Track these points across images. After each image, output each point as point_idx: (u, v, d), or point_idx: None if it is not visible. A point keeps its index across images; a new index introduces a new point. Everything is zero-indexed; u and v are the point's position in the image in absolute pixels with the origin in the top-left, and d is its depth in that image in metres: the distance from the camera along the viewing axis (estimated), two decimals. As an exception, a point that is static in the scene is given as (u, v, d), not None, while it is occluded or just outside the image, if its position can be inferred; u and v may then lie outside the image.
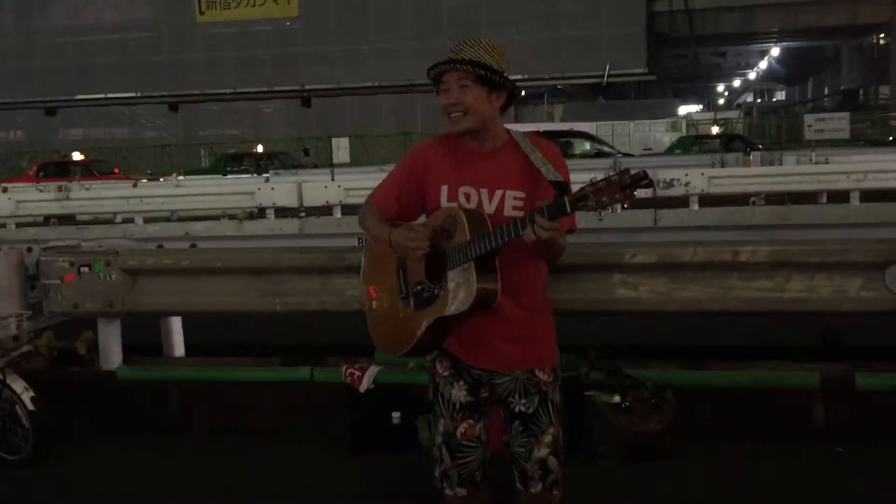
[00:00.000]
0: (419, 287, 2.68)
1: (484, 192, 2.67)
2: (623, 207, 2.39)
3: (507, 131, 2.74)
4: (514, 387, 2.73)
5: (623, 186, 2.30)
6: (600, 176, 2.57)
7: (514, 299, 2.65)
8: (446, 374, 2.79)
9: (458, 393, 2.77)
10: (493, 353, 2.71)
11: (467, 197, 2.67)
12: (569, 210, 2.38)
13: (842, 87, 47.29)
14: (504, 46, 2.68)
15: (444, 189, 2.70)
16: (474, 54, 2.60)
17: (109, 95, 37.83)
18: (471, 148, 2.71)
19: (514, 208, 2.64)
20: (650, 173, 2.38)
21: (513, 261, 2.61)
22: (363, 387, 4.48)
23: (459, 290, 2.57)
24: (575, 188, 2.44)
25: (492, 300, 2.59)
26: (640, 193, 2.41)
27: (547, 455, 2.73)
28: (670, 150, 25.09)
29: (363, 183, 15.84)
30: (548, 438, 2.73)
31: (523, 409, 2.73)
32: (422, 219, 2.80)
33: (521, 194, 2.66)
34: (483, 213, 2.63)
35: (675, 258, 4.19)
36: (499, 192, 2.66)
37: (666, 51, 38.53)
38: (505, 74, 2.64)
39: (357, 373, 4.52)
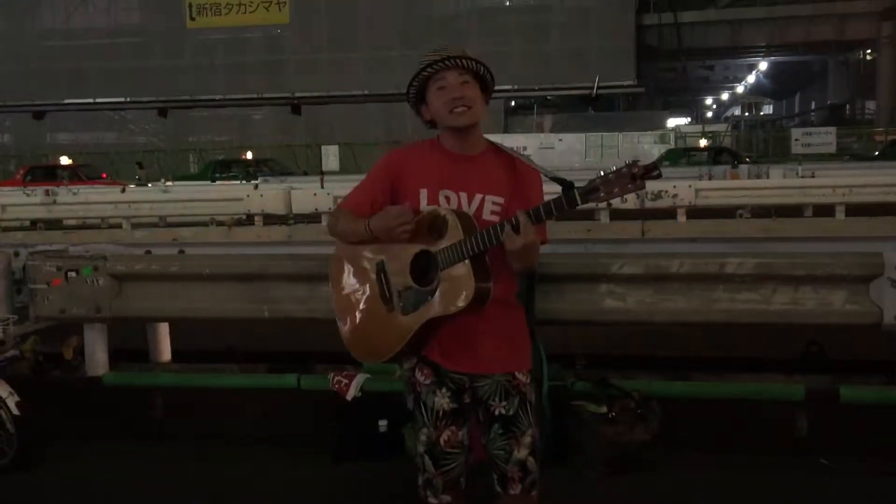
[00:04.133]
0: (406, 290, 2.67)
1: (464, 195, 2.70)
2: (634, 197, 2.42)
3: (486, 138, 2.78)
4: (494, 389, 2.74)
5: (634, 177, 2.32)
6: None
7: (497, 298, 2.66)
8: (428, 382, 2.78)
9: (441, 400, 2.76)
10: (475, 357, 2.72)
11: (447, 199, 2.69)
12: (579, 202, 2.40)
13: (829, 102, 47.69)
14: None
15: (424, 192, 2.71)
16: (463, 55, 2.67)
17: (98, 100, 37.67)
18: (452, 152, 2.74)
19: (493, 213, 2.67)
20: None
21: (494, 261, 2.62)
22: (350, 395, 4.48)
23: (456, 289, 2.57)
24: None
25: (486, 297, 2.60)
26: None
27: (526, 456, 2.74)
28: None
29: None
30: (527, 439, 2.75)
31: (503, 411, 2.73)
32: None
33: (501, 200, 2.69)
34: (468, 213, 2.65)
35: (662, 269, 4.21)
36: (478, 197, 2.69)
37: (655, 64, 38.78)
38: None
39: (344, 381, 4.51)
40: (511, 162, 2.75)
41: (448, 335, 2.70)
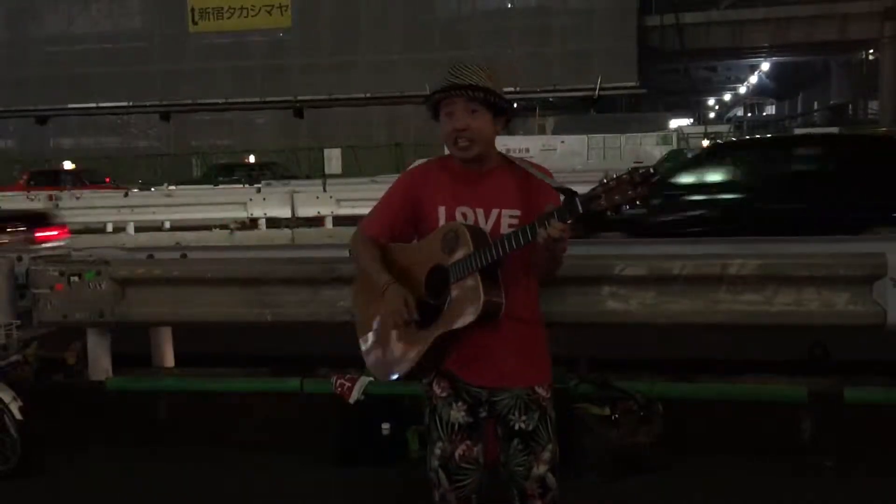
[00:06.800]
0: (420, 305, 2.64)
1: (480, 211, 2.69)
2: (636, 205, 2.37)
3: (499, 152, 2.76)
4: (514, 403, 2.71)
5: (634, 184, 2.29)
6: None
7: (513, 313, 2.64)
8: (444, 394, 2.76)
9: (457, 414, 2.74)
10: (495, 370, 2.70)
11: (464, 216, 2.69)
12: (580, 210, 2.37)
13: (831, 102, 47.60)
14: (496, 66, 2.71)
15: (442, 210, 2.71)
16: (479, 80, 2.60)
17: (101, 105, 37.73)
18: (466, 169, 2.73)
19: (510, 226, 2.65)
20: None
21: (510, 275, 2.62)
22: (353, 398, 4.48)
23: (465, 303, 2.56)
24: None
25: (497, 312, 2.58)
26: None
27: (546, 472, 2.73)
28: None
29: (355, 194, 15.89)
30: (546, 455, 2.73)
31: (523, 426, 2.71)
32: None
33: (517, 213, 2.67)
34: (482, 228, 2.65)
35: (664, 271, 4.20)
36: (495, 212, 2.68)
37: (657, 65, 38.73)
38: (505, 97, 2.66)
39: (347, 384, 4.51)
40: (524, 174, 2.71)
41: (466, 348, 2.68)
